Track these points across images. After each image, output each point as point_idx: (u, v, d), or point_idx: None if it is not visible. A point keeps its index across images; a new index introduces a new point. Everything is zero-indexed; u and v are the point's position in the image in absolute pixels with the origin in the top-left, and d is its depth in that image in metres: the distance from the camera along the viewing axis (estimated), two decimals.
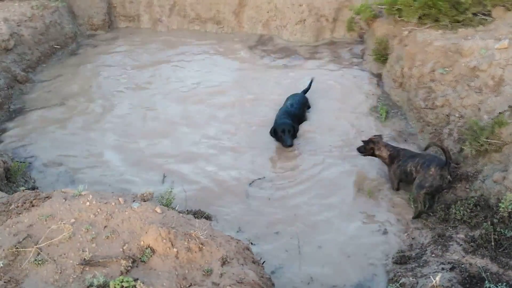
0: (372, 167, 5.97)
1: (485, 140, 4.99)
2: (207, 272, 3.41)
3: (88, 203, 3.76)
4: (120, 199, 3.84)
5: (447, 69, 6.19)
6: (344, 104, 7.45)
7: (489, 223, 4.37)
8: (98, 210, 3.71)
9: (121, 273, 3.22)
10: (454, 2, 6.81)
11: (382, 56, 8.03)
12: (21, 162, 5.84)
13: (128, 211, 3.70)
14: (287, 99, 7.28)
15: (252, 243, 4.88)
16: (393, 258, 4.63)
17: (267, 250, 4.89)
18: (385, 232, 5.03)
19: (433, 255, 4.33)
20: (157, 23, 10.98)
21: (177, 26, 10.91)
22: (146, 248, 3.43)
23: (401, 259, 4.53)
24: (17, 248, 3.38)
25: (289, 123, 6.57)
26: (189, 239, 3.54)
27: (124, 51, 9.75)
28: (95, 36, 10.59)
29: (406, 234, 4.93)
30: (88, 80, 8.56)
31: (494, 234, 4.24)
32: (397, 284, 4.03)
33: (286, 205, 5.53)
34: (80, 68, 9.02)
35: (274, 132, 6.56)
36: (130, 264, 3.30)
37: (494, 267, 3.95)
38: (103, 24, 10.70)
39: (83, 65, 9.11)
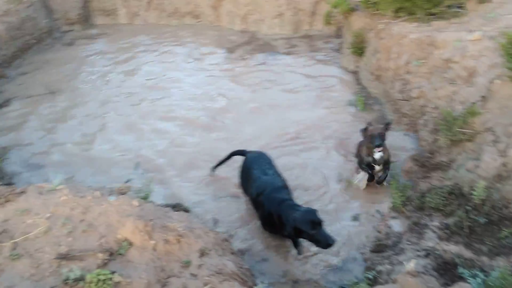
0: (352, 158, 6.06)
1: (458, 130, 5.10)
2: (186, 263, 3.42)
3: (64, 197, 3.74)
4: (96, 192, 3.82)
5: (422, 61, 6.29)
6: (321, 97, 7.51)
7: (462, 210, 4.47)
8: (74, 204, 3.69)
9: (98, 266, 3.21)
10: None
11: (359, 49, 8.10)
12: None
13: (105, 205, 3.69)
14: (249, 167, 5.20)
15: (231, 235, 4.92)
16: (370, 246, 4.70)
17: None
18: (363, 222, 5.10)
19: (409, 243, 4.42)
20: (134, 18, 10.90)
21: (155, 20, 10.84)
22: (124, 241, 3.41)
23: (378, 248, 4.61)
24: None
25: (313, 210, 4.44)
26: (167, 231, 3.54)
27: (100, 46, 9.67)
28: (71, 30, 10.47)
29: (383, 223, 5.01)
30: (64, 75, 8.48)
31: (467, 221, 4.34)
32: (374, 272, 4.10)
33: None
34: (56, 63, 8.93)
35: (296, 232, 4.38)
36: (107, 257, 3.29)
37: (467, 253, 4.05)
38: (79, 18, 10.59)
39: (59, 60, 9.02)
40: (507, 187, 4.35)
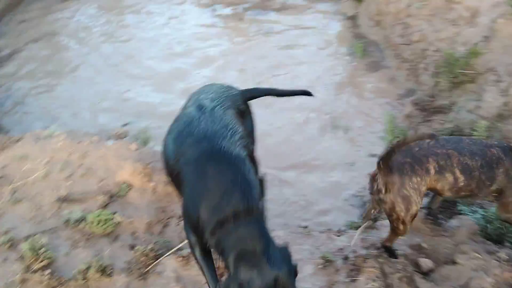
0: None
1: (460, 71, 5.01)
2: None
3: (61, 143, 3.71)
4: (94, 137, 3.79)
5: (423, 3, 6.11)
6: (319, 47, 7.33)
7: None
8: (72, 149, 3.67)
9: (99, 208, 3.22)
10: None
11: None
12: None
13: (103, 149, 3.67)
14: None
15: None
16: None
17: None
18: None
19: None
20: None
21: None
22: (123, 183, 3.42)
23: None
24: None
25: None
26: None
27: None
28: None
29: None
30: (55, 26, 8.27)
31: None
32: None
33: None
34: (48, 14, 8.69)
35: None
36: (108, 199, 3.31)
37: None
38: None
39: (51, 12, 8.77)
40: (508, 126, 4.31)
